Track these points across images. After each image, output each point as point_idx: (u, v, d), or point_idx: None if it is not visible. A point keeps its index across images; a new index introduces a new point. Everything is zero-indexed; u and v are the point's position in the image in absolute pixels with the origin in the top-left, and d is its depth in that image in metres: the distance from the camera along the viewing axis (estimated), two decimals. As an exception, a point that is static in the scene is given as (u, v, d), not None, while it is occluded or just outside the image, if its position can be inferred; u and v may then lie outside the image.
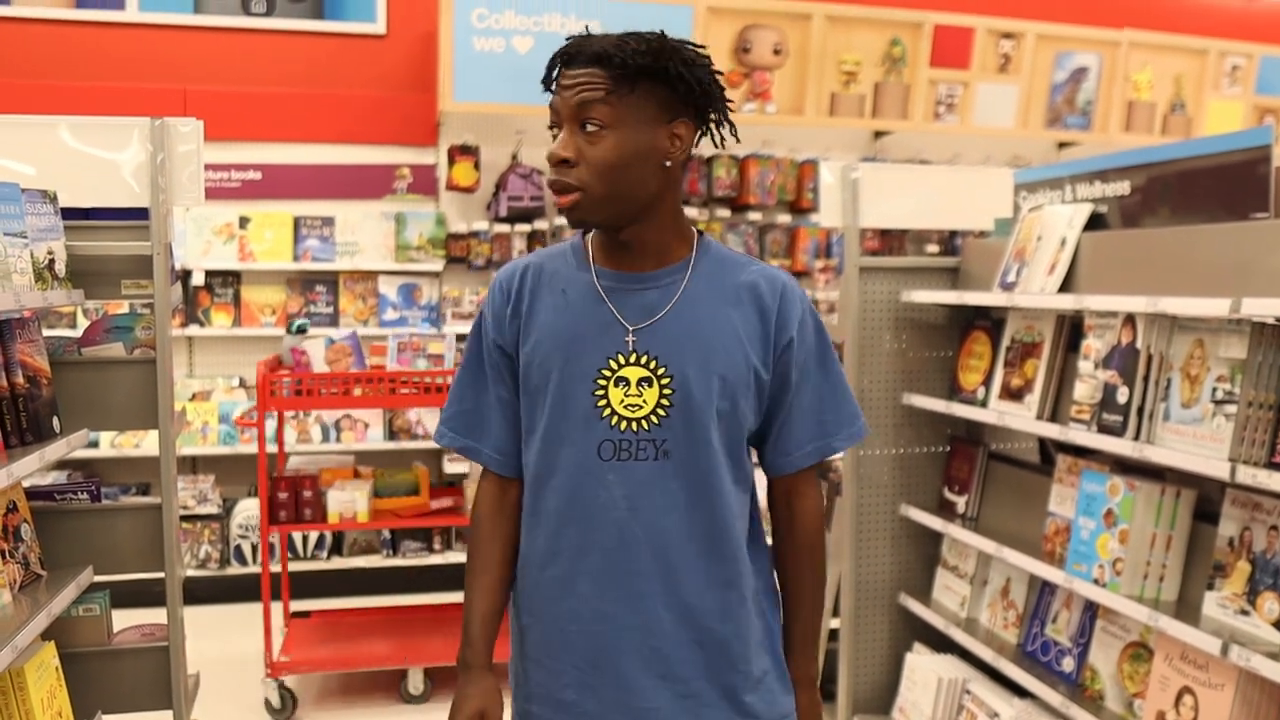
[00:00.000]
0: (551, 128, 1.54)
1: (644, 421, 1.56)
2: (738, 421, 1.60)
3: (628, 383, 1.56)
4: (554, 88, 1.54)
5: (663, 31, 1.53)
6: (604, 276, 1.61)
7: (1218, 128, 6.20)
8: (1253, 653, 2.11)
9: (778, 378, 1.62)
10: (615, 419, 1.56)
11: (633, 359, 1.57)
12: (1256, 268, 2.22)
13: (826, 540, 1.77)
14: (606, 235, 1.60)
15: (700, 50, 1.56)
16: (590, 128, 1.49)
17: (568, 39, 1.54)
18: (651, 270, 1.60)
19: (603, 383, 1.57)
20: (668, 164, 1.54)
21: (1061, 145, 6.28)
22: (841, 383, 1.69)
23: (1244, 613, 2.24)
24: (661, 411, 1.56)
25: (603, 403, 1.57)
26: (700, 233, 1.66)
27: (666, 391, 1.56)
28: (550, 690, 1.66)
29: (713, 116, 1.59)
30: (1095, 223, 2.84)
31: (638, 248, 1.59)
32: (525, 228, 5.51)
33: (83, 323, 4.87)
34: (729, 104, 1.60)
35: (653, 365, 1.56)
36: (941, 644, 3.31)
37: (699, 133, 1.59)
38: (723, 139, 1.63)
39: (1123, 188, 2.85)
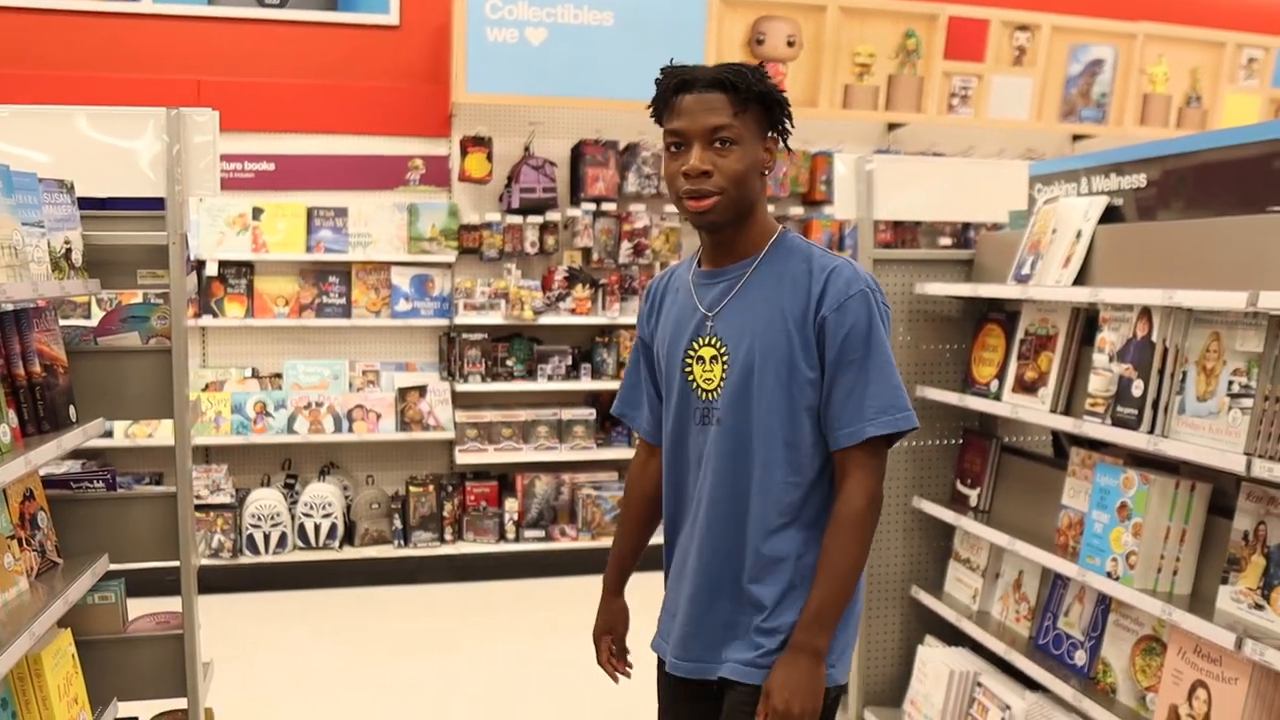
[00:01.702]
0: (671, 147, 1.81)
1: (713, 392, 1.87)
2: (786, 394, 1.82)
3: (704, 360, 1.88)
4: (667, 113, 1.80)
5: (744, 63, 1.84)
6: (697, 274, 1.94)
7: (1234, 120, 6.16)
8: (1267, 647, 2.10)
9: (820, 356, 1.81)
10: (699, 390, 1.89)
11: (707, 340, 1.88)
12: (1274, 260, 2.21)
13: (869, 528, 1.83)
14: (710, 237, 1.88)
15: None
16: (721, 144, 1.76)
17: (666, 70, 1.81)
18: (728, 264, 1.89)
19: (689, 360, 1.90)
20: (765, 173, 1.84)
21: (1076, 138, 6.26)
22: (884, 370, 1.81)
23: (1258, 607, 2.23)
24: (722, 384, 1.86)
25: (691, 377, 1.90)
26: (784, 229, 1.91)
27: (725, 367, 1.85)
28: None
29: (784, 132, 1.88)
30: (1110, 215, 2.83)
31: (730, 245, 1.87)
32: (537, 219, 5.51)
33: (98, 312, 4.89)
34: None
35: (718, 344, 1.86)
36: (953, 637, 3.31)
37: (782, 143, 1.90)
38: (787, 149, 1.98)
39: (1138, 180, 2.84)
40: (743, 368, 1.83)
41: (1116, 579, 2.54)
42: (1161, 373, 2.45)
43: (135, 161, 2.56)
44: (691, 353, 1.89)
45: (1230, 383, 2.27)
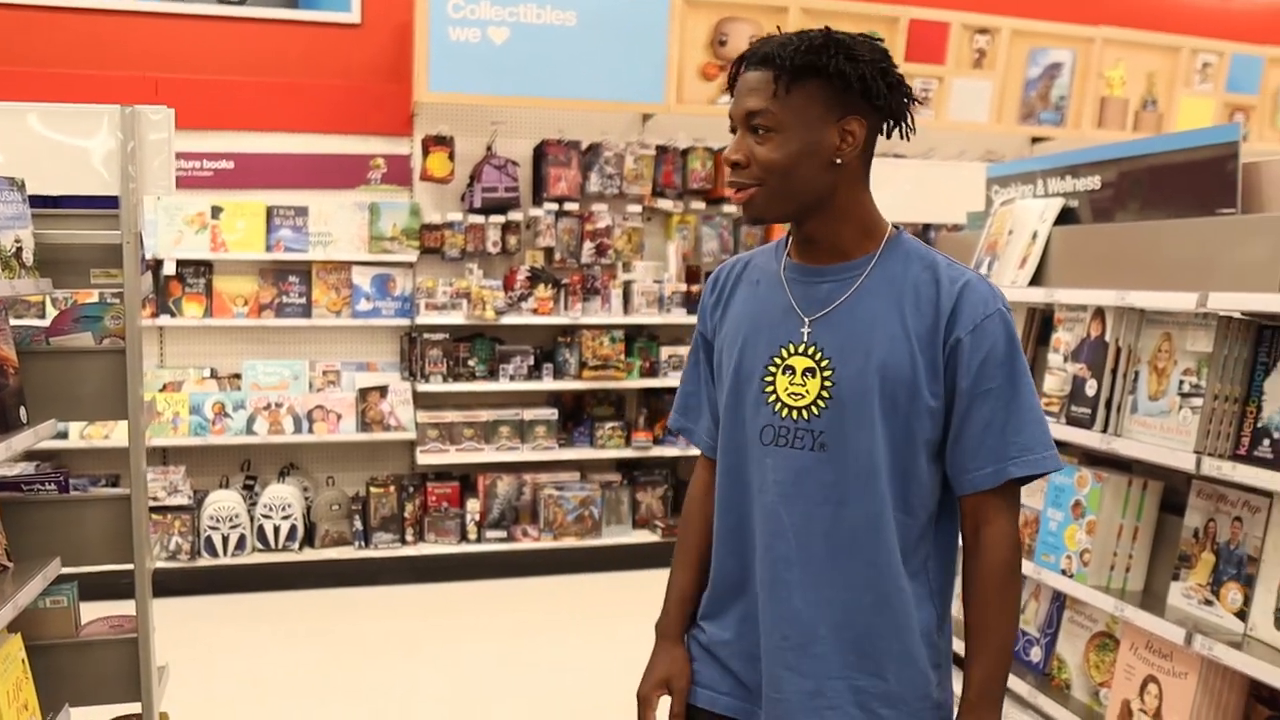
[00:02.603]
0: (733, 130, 1.59)
1: (804, 411, 1.57)
2: (904, 423, 1.55)
3: (794, 371, 1.59)
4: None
5: (828, 28, 1.58)
6: (790, 269, 1.65)
7: (1189, 124, 6.26)
8: (1215, 642, 2.13)
9: (949, 384, 1.55)
10: (779, 405, 1.59)
11: (801, 349, 1.59)
12: (1223, 262, 2.25)
13: (1020, 583, 1.62)
14: (795, 229, 1.63)
15: (874, 43, 1.57)
16: (759, 130, 1.53)
17: (754, 40, 1.59)
18: (831, 264, 1.61)
19: (772, 369, 1.60)
20: (838, 161, 1.53)
21: (1035, 140, 6.33)
22: (1029, 403, 1.55)
23: (1207, 603, 2.27)
24: (821, 403, 1.56)
25: (769, 389, 1.60)
26: (897, 228, 1.64)
27: (828, 384, 1.56)
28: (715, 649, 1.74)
29: (883, 110, 1.56)
30: (1066, 217, 2.87)
31: (820, 242, 1.60)
32: (500, 219, 5.50)
33: (51, 312, 4.83)
34: (911, 98, 1.58)
35: (818, 356, 1.57)
36: None
37: (881, 127, 1.58)
38: (906, 132, 1.60)
39: (1093, 182, 2.88)
40: (853, 387, 1.54)
41: (1071, 576, 2.57)
42: (1115, 372, 2.49)
43: (88, 159, 2.53)
44: (778, 361, 1.60)
45: (1181, 382, 2.31)
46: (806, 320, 1.59)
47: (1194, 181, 2.54)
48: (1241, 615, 2.19)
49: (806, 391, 1.57)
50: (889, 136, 1.61)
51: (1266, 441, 2.13)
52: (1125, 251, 2.56)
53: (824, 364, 1.56)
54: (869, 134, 1.55)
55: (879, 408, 1.54)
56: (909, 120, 1.59)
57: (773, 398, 1.60)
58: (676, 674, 1.72)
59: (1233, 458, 2.17)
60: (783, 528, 1.59)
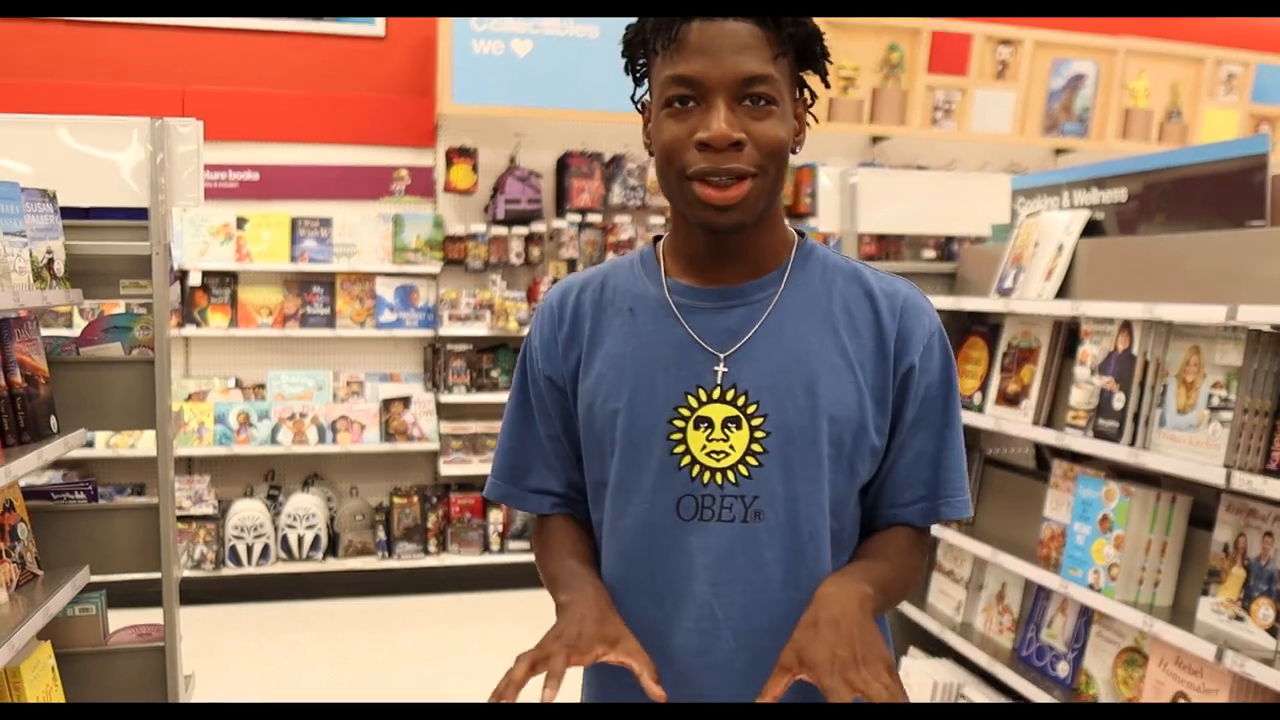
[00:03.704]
0: (674, 101, 1.20)
1: (730, 473, 1.25)
2: (848, 469, 1.28)
3: (710, 424, 1.26)
4: (668, 47, 1.20)
5: None
6: (679, 291, 1.30)
7: (1213, 136, 6.22)
8: (1246, 658, 2.11)
9: (893, 417, 1.30)
10: (696, 469, 1.26)
11: (716, 394, 1.26)
12: (1252, 275, 2.23)
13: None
14: (710, 241, 1.27)
15: None
16: (755, 101, 1.18)
17: None
18: (739, 283, 1.29)
19: (679, 424, 1.26)
20: (796, 150, 1.26)
21: (1058, 152, 6.30)
22: (959, 435, 1.35)
23: (1238, 618, 2.25)
24: (753, 460, 1.25)
25: (680, 449, 1.26)
26: (801, 234, 1.36)
27: (759, 435, 1.25)
28: None
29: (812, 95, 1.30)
30: (1092, 229, 2.85)
31: (739, 255, 1.28)
32: (523, 230, 5.52)
33: (80, 322, 4.87)
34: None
35: (741, 401, 1.25)
36: (937, 648, 3.32)
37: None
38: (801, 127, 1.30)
39: (1120, 195, 2.86)
40: (794, 435, 1.25)
41: (1098, 591, 2.55)
42: (1142, 386, 2.47)
43: (118, 171, 2.56)
44: (685, 412, 1.26)
45: (1210, 395, 2.29)
46: (720, 356, 1.26)
47: (1222, 193, 2.52)
48: (1273, 631, 2.17)
49: (731, 448, 1.25)
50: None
51: (1298, 456, 2.11)
52: (1153, 264, 2.54)
53: (751, 410, 1.25)
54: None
55: (826, 458, 1.26)
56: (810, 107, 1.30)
57: (686, 459, 1.26)
58: (622, 633, 1.21)
59: (1263, 472, 2.16)
60: (717, 625, 1.27)
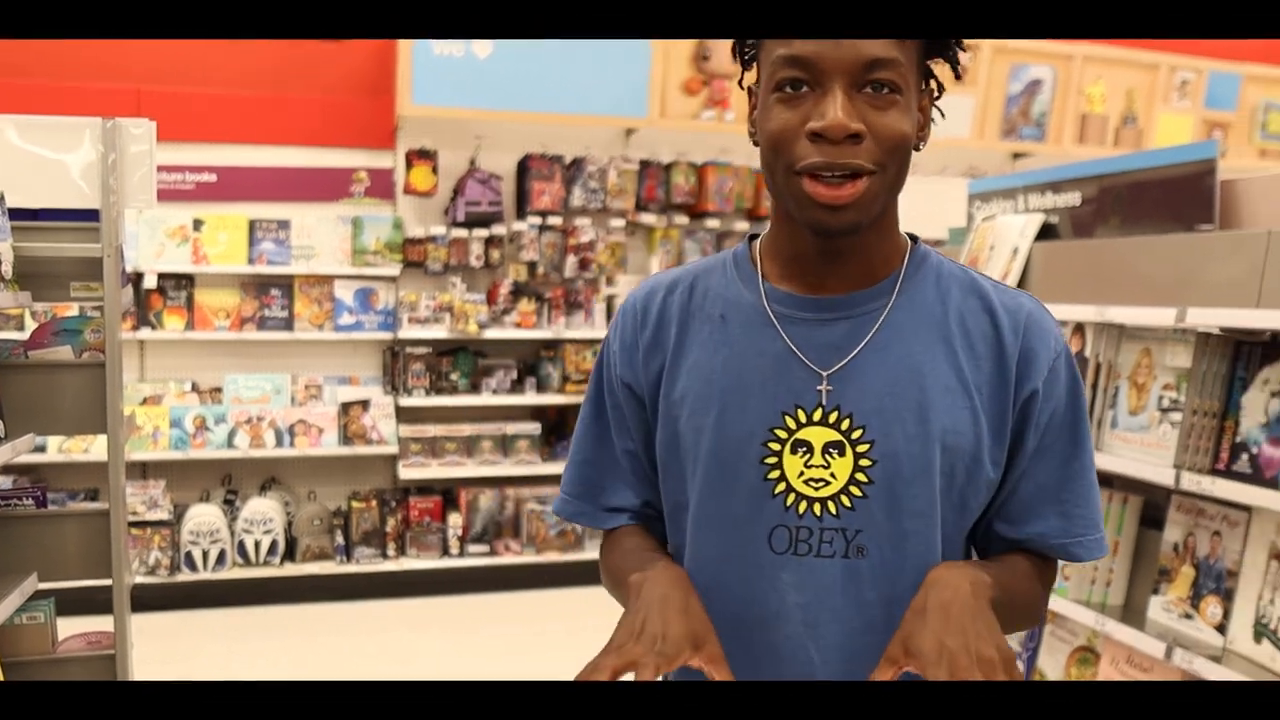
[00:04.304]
0: (786, 86, 1.07)
1: (831, 503, 1.13)
2: (960, 508, 1.17)
3: (809, 448, 1.14)
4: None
5: None
6: (778, 299, 1.18)
7: (1168, 140, 6.31)
8: (1195, 655, 2.15)
9: (1012, 446, 1.18)
10: (792, 498, 1.14)
11: (817, 415, 1.14)
12: (1201, 278, 2.26)
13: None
14: (813, 241, 1.14)
15: None
16: (878, 89, 1.06)
17: None
18: (845, 293, 1.16)
19: (775, 446, 1.14)
20: (919, 146, 1.15)
21: (1016, 156, 6.37)
22: (1092, 470, 1.21)
23: (1188, 616, 2.28)
24: (856, 490, 1.13)
25: (775, 474, 1.14)
26: (914, 239, 1.22)
27: (864, 463, 1.13)
28: None
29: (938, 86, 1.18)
30: (1047, 232, 2.89)
31: (848, 261, 1.16)
32: (483, 233, 5.50)
33: (30, 325, 4.80)
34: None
35: (846, 425, 1.13)
36: None
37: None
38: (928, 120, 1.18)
39: (1074, 198, 2.90)
40: (904, 464, 1.12)
41: (1053, 590, 2.58)
42: (1095, 387, 2.50)
43: (68, 172, 2.52)
44: (782, 434, 1.14)
45: (1160, 397, 2.32)
46: (823, 374, 1.14)
47: (1173, 198, 2.56)
48: (1221, 629, 2.20)
49: (833, 476, 1.13)
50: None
51: (1245, 456, 2.14)
52: (1105, 267, 2.58)
53: (856, 435, 1.13)
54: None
55: (941, 491, 1.14)
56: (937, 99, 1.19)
57: (781, 487, 1.14)
58: (707, 632, 1.10)
59: (1212, 472, 2.19)
60: (811, 669, 1.16)
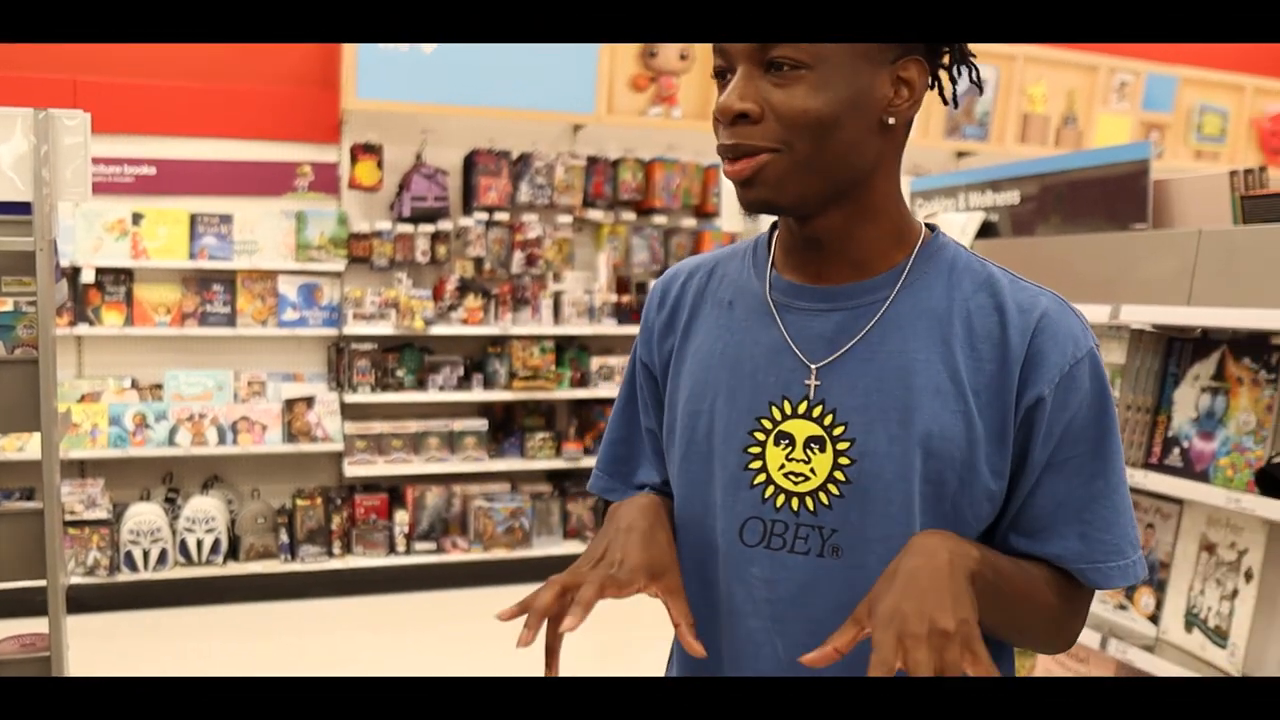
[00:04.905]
0: (718, 75, 1.09)
1: (810, 499, 1.10)
2: (953, 513, 1.09)
3: (791, 441, 1.11)
4: None
5: None
6: (780, 288, 1.16)
7: (1107, 141, 6.43)
8: (1129, 645, 2.19)
9: (1017, 456, 1.10)
10: (770, 490, 1.12)
11: (802, 408, 1.11)
12: (1135, 276, 2.31)
13: (1065, 638, 1.18)
14: (793, 227, 1.13)
15: None
16: (783, 67, 1.03)
17: None
18: (847, 282, 1.12)
19: (760, 436, 1.12)
20: (890, 121, 1.07)
21: (960, 155, 6.45)
22: (1122, 489, 1.12)
23: (1122, 607, 2.33)
24: (834, 489, 1.09)
25: (756, 464, 1.12)
26: (932, 228, 1.18)
27: (843, 461, 1.09)
28: None
29: (947, 53, 1.13)
30: (987, 230, 2.93)
31: (832, 247, 1.12)
32: (429, 228, 5.46)
33: (-37, 321, 4.68)
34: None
35: (829, 420, 1.10)
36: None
37: (933, 79, 1.12)
38: (955, 95, 1.17)
39: (1013, 197, 2.94)
40: (883, 467, 1.08)
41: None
42: (1033, 383, 2.54)
43: (-1, 164, 2.46)
44: (767, 424, 1.12)
45: (1096, 393, 2.36)
46: (812, 367, 1.11)
47: (1109, 197, 2.61)
48: (1154, 619, 2.25)
49: (812, 471, 1.10)
50: (941, 93, 1.16)
51: (1176, 450, 2.19)
52: (1042, 265, 2.62)
53: (838, 432, 1.09)
54: (925, 87, 1.11)
55: (920, 495, 1.08)
56: (974, 73, 1.16)
57: (761, 478, 1.12)
58: (667, 564, 1.11)
59: (1145, 466, 2.24)
60: (776, 666, 1.13)
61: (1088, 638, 2.30)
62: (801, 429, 1.10)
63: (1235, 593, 2.09)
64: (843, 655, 0.97)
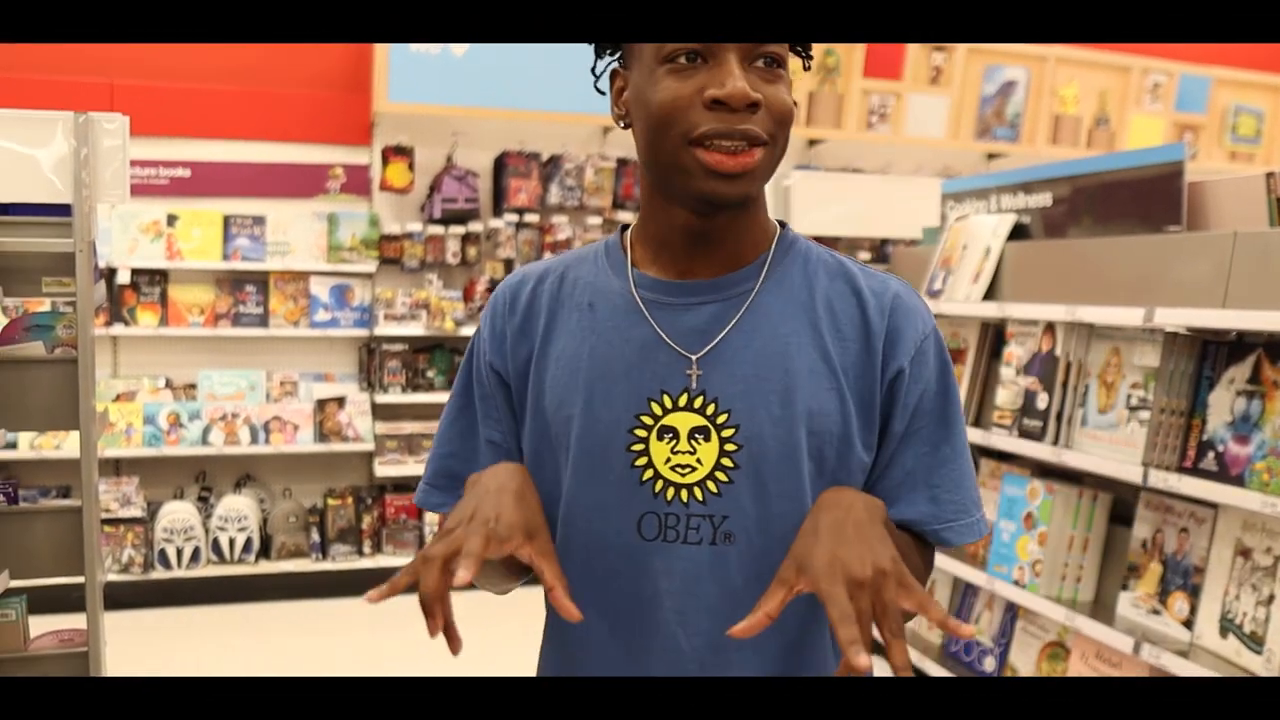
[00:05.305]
0: (680, 57, 1.07)
1: (698, 489, 1.12)
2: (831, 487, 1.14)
3: (675, 434, 1.13)
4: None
5: None
6: (646, 285, 1.17)
7: (1140, 142, 6.38)
8: (1163, 650, 2.17)
9: (881, 428, 1.17)
10: (660, 484, 1.13)
11: (683, 401, 1.13)
12: (1169, 278, 2.29)
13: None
14: (690, 224, 1.13)
15: None
16: (772, 64, 1.07)
17: None
18: (715, 276, 1.16)
19: (642, 433, 1.13)
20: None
21: (990, 156, 6.41)
22: (965, 451, 1.20)
23: (1155, 612, 2.31)
24: (722, 475, 1.12)
25: (642, 460, 1.13)
26: (783, 224, 1.22)
27: (729, 448, 1.12)
28: None
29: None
30: (1019, 233, 2.91)
31: (719, 244, 1.15)
32: (460, 230, 5.49)
33: (1, 320, 4.75)
34: None
35: (711, 410, 1.12)
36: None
37: None
38: None
39: (1045, 199, 2.93)
40: (770, 449, 1.11)
41: (1023, 586, 2.60)
42: (1065, 386, 2.53)
43: (39, 167, 2.50)
44: (648, 420, 1.14)
45: (1129, 396, 2.35)
46: (693, 358, 1.13)
47: (1142, 199, 2.59)
48: (1188, 624, 2.23)
49: (699, 461, 1.12)
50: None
51: (1211, 454, 2.17)
52: (1075, 267, 2.60)
53: (721, 420, 1.12)
54: None
55: (807, 473, 1.12)
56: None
57: (649, 474, 1.13)
58: (540, 525, 1.10)
59: (1179, 470, 2.22)
60: (682, 658, 1.15)
61: (1120, 642, 2.28)
62: (685, 421, 1.12)
63: (1271, 598, 2.08)
64: (773, 620, 0.99)
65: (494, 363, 1.23)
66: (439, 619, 1.01)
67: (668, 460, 1.13)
